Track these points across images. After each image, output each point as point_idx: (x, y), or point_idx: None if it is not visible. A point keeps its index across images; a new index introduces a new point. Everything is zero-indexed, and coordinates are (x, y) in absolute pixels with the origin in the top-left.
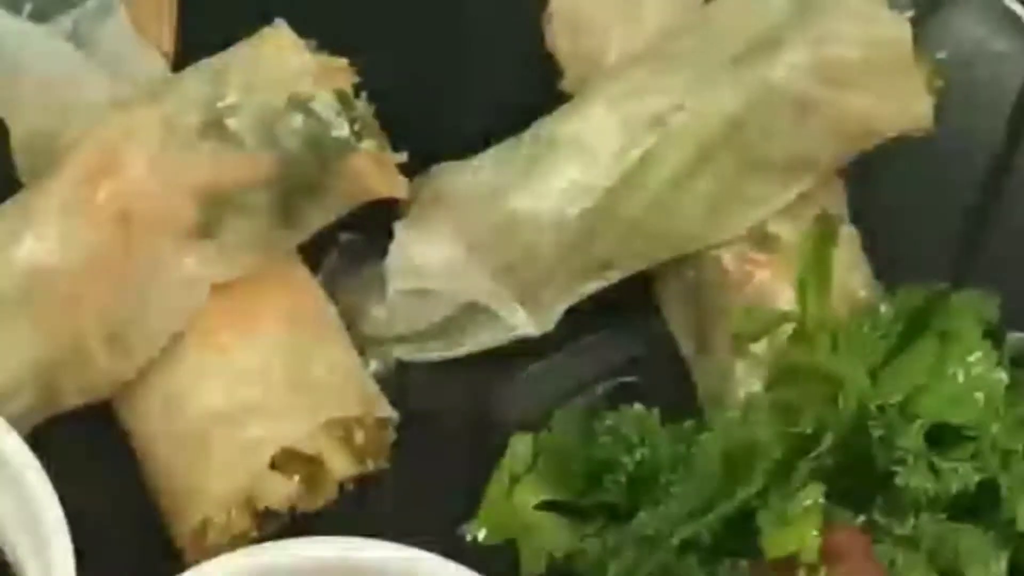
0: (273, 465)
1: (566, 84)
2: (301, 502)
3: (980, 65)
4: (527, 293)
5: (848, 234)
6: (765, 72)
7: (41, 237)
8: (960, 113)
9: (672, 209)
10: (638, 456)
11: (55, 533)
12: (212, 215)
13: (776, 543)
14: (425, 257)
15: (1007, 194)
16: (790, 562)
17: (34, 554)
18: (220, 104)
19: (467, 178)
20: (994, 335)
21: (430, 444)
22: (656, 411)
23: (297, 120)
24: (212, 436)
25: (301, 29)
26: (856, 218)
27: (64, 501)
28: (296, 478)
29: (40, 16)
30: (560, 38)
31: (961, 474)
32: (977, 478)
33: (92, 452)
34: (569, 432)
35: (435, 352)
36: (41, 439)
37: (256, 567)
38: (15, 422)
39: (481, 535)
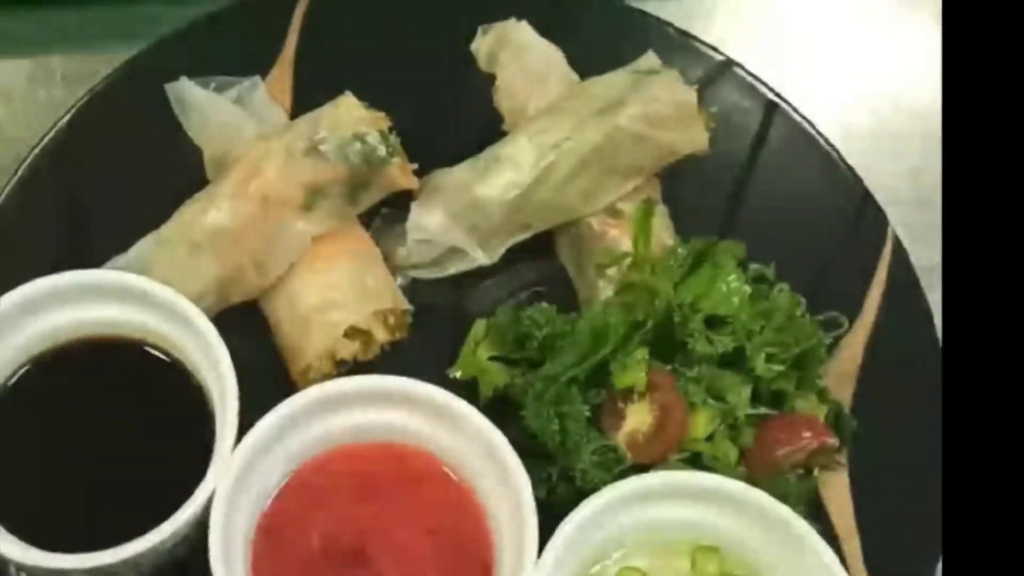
0: (345, 334)
1: (506, 127)
2: (360, 355)
3: (734, 113)
4: (483, 240)
5: (661, 209)
6: (615, 119)
7: (219, 209)
8: (723, 140)
9: (564, 196)
10: (544, 332)
11: (227, 373)
12: (311, 199)
13: (621, 380)
14: (427, 222)
15: (752, 185)
16: (628, 391)
17: (216, 383)
18: (316, 137)
19: (451, 178)
20: (743, 265)
21: (431, 324)
22: (555, 307)
23: (357, 146)
24: (312, 319)
25: (359, 96)
26: (666, 199)
27: (232, 355)
28: (357, 342)
29: (219, 89)
30: (502, 101)
31: (724, 343)
32: (733, 345)
33: (248, 328)
34: (506, 318)
35: (433, 274)
36: (218, 321)
37: (337, 390)
38: (204, 312)
39: (459, 374)
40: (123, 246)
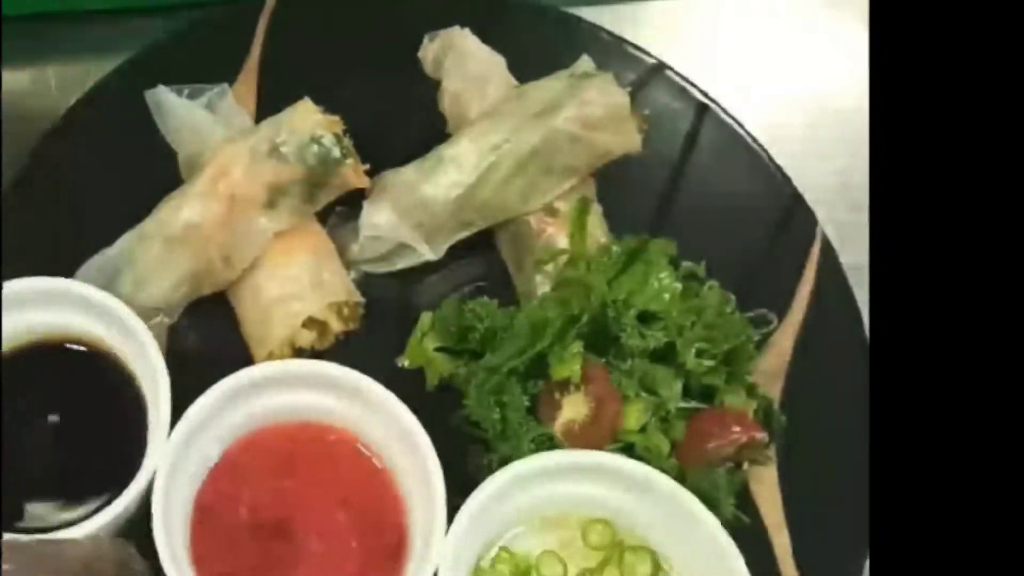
0: (303, 324)
1: (450, 130)
2: (316, 344)
3: (665, 115)
4: (429, 237)
5: (595, 208)
6: (552, 121)
7: (191, 207)
8: (655, 141)
9: (504, 194)
10: (486, 324)
11: (157, 364)
12: (273, 197)
13: (558, 372)
14: (378, 219)
15: (684, 185)
16: (565, 383)
17: (148, 371)
18: (277, 140)
19: (399, 177)
20: (674, 263)
21: (381, 316)
22: (495, 301)
23: (314, 148)
24: (273, 310)
25: (317, 101)
26: (600, 199)
27: (203, 342)
28: (314, 332)
29: (192, 96)
30: (446, 105)
31: (656, 338)
32: (664, 340)
33: (218, 317)
34: (450, 311)
35: (383, 268)
36: (191, 310)
37: (261, 373)
38: (179, 302)
39: (406, 363)
40: (111, 241)
